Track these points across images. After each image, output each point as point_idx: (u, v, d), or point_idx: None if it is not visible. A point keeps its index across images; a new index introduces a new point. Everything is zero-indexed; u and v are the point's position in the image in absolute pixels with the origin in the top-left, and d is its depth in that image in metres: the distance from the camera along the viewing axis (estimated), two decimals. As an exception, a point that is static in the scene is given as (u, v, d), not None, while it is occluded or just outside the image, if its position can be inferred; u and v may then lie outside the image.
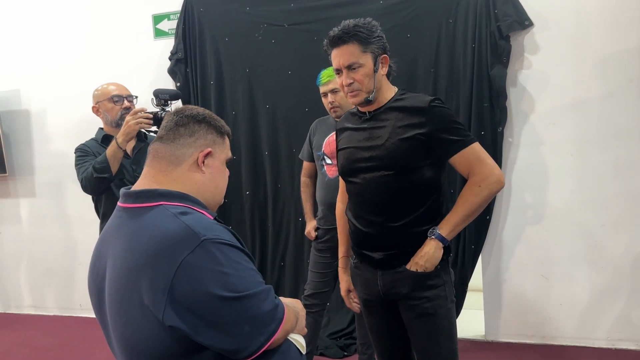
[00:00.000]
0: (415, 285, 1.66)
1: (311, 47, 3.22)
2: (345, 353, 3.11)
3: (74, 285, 4.02)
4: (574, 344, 3.01)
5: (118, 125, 2.35)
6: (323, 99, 2.63)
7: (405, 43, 3.06)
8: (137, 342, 1.09)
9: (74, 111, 3.84)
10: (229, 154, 1.29)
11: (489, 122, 2.98)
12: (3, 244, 4.20)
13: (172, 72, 3.50)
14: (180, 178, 1.18)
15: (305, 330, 1.30)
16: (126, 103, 2.38)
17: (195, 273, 1.02)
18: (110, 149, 2.20)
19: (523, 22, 2.89)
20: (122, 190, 1.21)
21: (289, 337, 1.21)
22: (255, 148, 3.44)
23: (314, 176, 2.80)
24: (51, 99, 3.91)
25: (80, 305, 4.00)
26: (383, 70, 1.67)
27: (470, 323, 3.24)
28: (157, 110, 2.29)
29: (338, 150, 1.85)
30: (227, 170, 1.31)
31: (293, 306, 1.28)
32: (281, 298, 1.33)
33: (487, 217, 3.06)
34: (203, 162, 1.20)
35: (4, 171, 3.94)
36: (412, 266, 1.65)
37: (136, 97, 2.47)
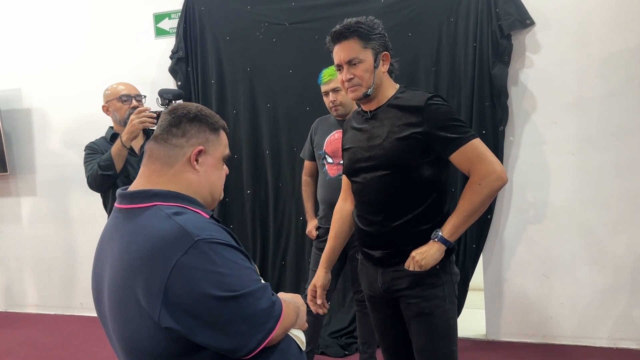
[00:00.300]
0: (412, 284, 1.66)
1: (312, 45, 3.22)
2: (346, 352, 3.11)
3: (75, 283, 4.02)
4: (575, 344, 3.01)
5: (126, 124, 2.40)
6: (324, 98, 2.63)
7: (406, 42, 3.06)
8: (136, 342, 1.10)
9: (75, 110, 3.85)
10: (226, 151, 1.27)
11: (490, 121, 2.98)
12: (4, 242, 4.20)
13: (173, 71, 3.50)
14: (174, 178, 1.18)
15: (307, 325, 1.30)
16: (134, 102, 2.44)
17: (190, 274, 1.02)
18: (115, 147, 2.27)
19: (524, 21, 2.89)
20: (118, 191, 1.21)
21: (289, 333, 1.21)
22: (256, 147, 3.44)
23: (315, 175, 2.81)
24: (52, 98, 3.91)
25: (82, 304, 4.00)
26: (384, 68, 1.68)
27: (472, 322, 3.24)
28: (161, 109, 2.33)
29: (343, 150, 1.86)
30: (224, 167, 1.29)
31: (293, 301, 1.27)
32: (281, 293, 1.33)
33: (489, 217, 3.06)
34: (197, 161, 1.19)
35: (5, 170, 3.94)
36: (409, 263, 1.64)
37: (144, 96, 2.53)
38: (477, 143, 1.60)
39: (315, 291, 1.92)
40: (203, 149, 1.20)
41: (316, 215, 2.78)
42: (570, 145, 2.93)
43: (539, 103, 2.97)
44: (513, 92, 2.99)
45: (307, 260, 3.26)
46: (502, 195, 3.07)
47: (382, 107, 1.70)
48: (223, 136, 1.27)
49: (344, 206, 1.93)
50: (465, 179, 1.65)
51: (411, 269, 1.64)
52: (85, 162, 2.39)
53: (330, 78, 2.57)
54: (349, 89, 1.68)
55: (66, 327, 3.81)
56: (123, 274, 1.09)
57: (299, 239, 3.40)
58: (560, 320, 3.04)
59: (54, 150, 3.95)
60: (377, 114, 1.71)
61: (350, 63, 1.64)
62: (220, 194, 1.28)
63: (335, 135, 2.64)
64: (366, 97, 1.68)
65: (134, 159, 2.41)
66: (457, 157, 1.60)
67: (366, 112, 1.74)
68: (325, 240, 2.64)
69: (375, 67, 1.65)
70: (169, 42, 3.54)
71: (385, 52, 1.67)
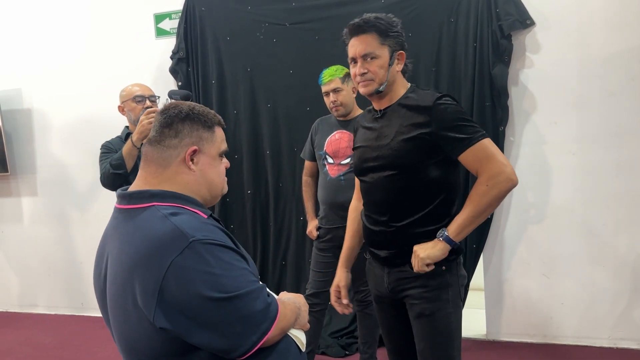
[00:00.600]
0: (418, 285, 1.65)
1: (312, 46, 3.22)
2: (347, 352, 3.11)
3: (75, 283, 4.02)
4: (576, 343, 3.01)
5: None
6: (325, 98, 2.64)
7: (407, 42, 3.03)
8: (134, 342, 1.11)
9: (75, 110, 3.85)
10: (222, 147, 1.25)
11: (491, 121, 2.98)
12: (4, 242, 4.20)
13: (173, 71, 3.50)
14: (170, 179, 1.18)
15: (308, 325, 1.30)
16: (148, 103, 2.50)
17: (184, 275, 1.03)
18: (126, 147, 2.35)
19: (524, 21, 2.89)
20: (118, 192, 1.21)
21: (289, 334, 1.21)
22: (256, 147, 3.44)
23: (315, 175, 2.81)
24: (53, 98, 3.91)
25: (82, 303, 4.00)
26: (398, 67, 1.67)
27: (472, 322, 3.24)
28: None
29: (353, 148, 1.86)
30: (223, 162, 1.27)
31: (294, 301, 1.27)
32: (284, 293, 1.34)
33: (489, 216, 3.06)
34: (192, 161, 1.19)
35: (6, 170, 3.94)
36: (413, 259, 1.61)
37: (158, 97, 2.59)
38: (487, 143, 1.57)
39: (340, 292, 1.90)
40: (197, 149, 1.19)
41: (317, 215, 2.78)
42: (570, 145, 2.94)
43: (539, 103, 2.97)
44: (513, 92, 3.00)
45: (307, 260, 3.26)
46: (502, 195, 3.06)
47: (392, 106, 1.69)
48: (218, 132, 1.25)
49: (359, 205, 1.90)
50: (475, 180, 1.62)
51: (416, 269, 1.60)
52: (100, 161, 2.48)
53: (330, 78, 2.57)
54: (360, 83, 1.67)
55: (66, 327, 3.81)
56: (121, 274, 1.09)
57: (300, 239, 3.40)
58: (561, 320, 3.04)
59: (54, 150, 3.95)
60: (387, 113, 1.70)
61: (366, 57, 1.63)
62: (221, 189, 1.27)
63: (336, 136, 2.64)
64: (378, 94, 1.67)
65: None
66: (466, 158, 1.57)
67: (376, 110, 1.73)
68: (326, 241, 2.67)
69: (390, 64, 1.64)
70: (170, 43, 3.54)
71: (401, 51, 1.67)
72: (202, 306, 1.03)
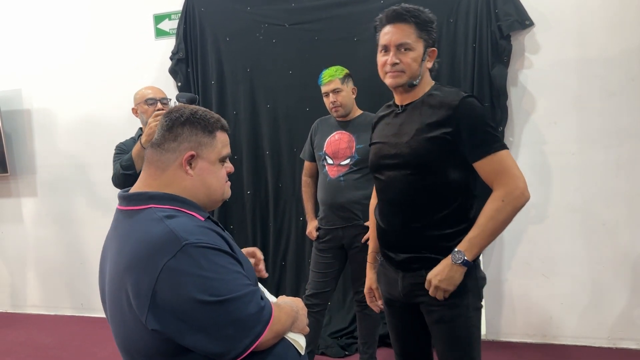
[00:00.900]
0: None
1: (312, 46, 3.22)
2: (347, 352, 3.11)
3: (75, 284, 4.02)
4: (575, 343, 3.01)
5: None
6: (324, 99, 2.64)
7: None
8: (130, 342, 1.13)
9: (75, 110, 3.85)
10: (223, 152, 1.23)
11: (490, 122, 2.98)
12: (4, 243, 4.20)
13: (173, 72, 3.50)
14: (169, 182, 1.18)
15: (307, 329, 1.29)
16: (159, 105, 2.55)
17: (177, 278, 1.03)
18: (135, 148, 2.41)
19: (524, 21, 2.89)
20: (119, 193, 1.23)
21: (287, 337, 1.21)
22: (256, 147, 3.44)
23: (315, 176, 2.81)
24: (52, 99, 3.91)
25: (82, 304, 4.00)
26: (429, 63, 1.62)
27: (471, 322, 3.24)
28: None
29: (370, 144, 1.80)
30: (225, 167, 1.26)
31: (291, 305, 1.27)
32: (282, 297, 1.33)
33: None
34: (190, 165, 1.19)
35: (6, 171, 3.95)
36: (432, 291, 1.55)
37: (170, 99, 2.64)
38: (505, 155, 1.53)
39: (373, 293, 1.85)
40: (194, 154, 1.18)
41: (316, 216, 2.79)
42: (570, 145, 2.94)
43: (538, 103, 2.97)
44: (512, 92, 3.00)
45: (307, 261, 3.26)
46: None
47: (414, 102, 1.62)
48: (220, 137, 1.23)
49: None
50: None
51: (439, 297, 1.54)
52: (113, 161, 2.56)
53: (330, 79, 2.57)
54: (389, 73, 1.59)
55: (66, 327, 3.81)
56: (117, 276, 1.11)
57: (299, 240, 3.41)
58: (560, 320, 3.04)
59: (54, 151, 3.95)
60: (408, 109, 1.63)
61: (400, 48, 1.55)
62: (221, 195, 1.26)
63: (336, 136, 2.65)
64: (411, 87, 1.61)
65: None
66: (482, 166, 1.52)
67: (397, 105, 1.67)
68: (325, 241, 2.67)
69: (423, 59, 1.58)
70: (169, 43, 3.54)
71: (434, 49, 1.62)
72: (194, 309, 1.03)
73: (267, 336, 1.11)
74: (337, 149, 2.61)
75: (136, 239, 1.09)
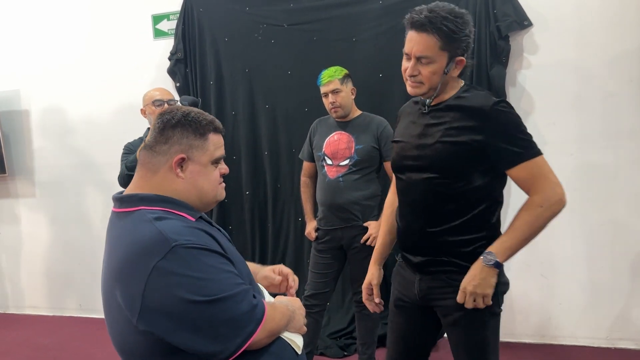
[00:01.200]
0: (452, 296, 1.53)
1: (311, 47, 3.22)
2: (345, 353, 3.11)
3: (73, 285, 4.01)
4: (574, 344, 3.02)
5: None
6: (324, 99, 2.64)
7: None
8: (123, 343, 1.14)
9: (73, 111, 3.84)
10: (216, 154, 1.22)
11: (489, 122, 2.98)
12: (2, 244, 4.19)
13: (171, 72, 3.50)
14: (159, 184, 1.19)
15: (305, 329, 1.29)
16: (166, 106, 2.57)
17: (167, 279, 1.04)
18: (140, 150, 2.40)
19: (522, 22, 2.89)
20: (113, 195, 1.24)
21: (283, 337, 1.21)
22: (255, 148, 3.44)
23: (314, 176, 2.81)
24: (51, 99, 3.90)
25: (80, 305, 3.99)
26: (454, 72, 1.56)
27: (470, 323, 3.24)
28: None
29: (393, 141, 1.75)
30: (219, 168, 1.24)
31: (286, 305, 1.27)
32: (279, 297, 1.33)
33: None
34: (181, 168, 1.18)
35: (4, 171, 3.94)
36: (462, 298, 1.49)
37: (177, 101, 2.70)
38: (542, 161, 1.49)
39: (372, 289, 1.81)
40: (185, 157, 1.18)
41: (315, 216, 2.78)
42: (569, 145, 2.94)
43: (537, 104, 2.97)
44: (511, 93, 3.00)
45: (306, 261, 3.26)
46: (500, 195, 3.07)
47: (441, 104, 1.57)
48: (212, 139, 1.22)
49: (395, 201, 1.78)
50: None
51: (469, 306, 1.48)
52: (120, 161, 2.62)
53: (329, 80, 2.57)
54: (408, 82, 1.56)
55: (65, 328, 3.81)
56: (108, 277, 1.12)
57: (298, 240, 3.40)
58: (559, 320, 3.04)
59: (52, 152, 3.94)
60: (435, 112, 1.58)
61: (420, 59, 1.51)
62: (214, 197, 1.25)
63: (335, 137, 2.65)
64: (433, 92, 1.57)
65: None
66: (517, 173, 1.49)
67: (424, 105, 1.61)
68: (324, 242, 2.67)
69: (446, 72, 1.52)
70: (168, 44, 3.54)
71: (461, 58, 1.54)
72: (185, 310, 1.04)
73: (259, 335, 1.11)
74: (337, 149, 2.61)
75: (126, 240, 1.10)
